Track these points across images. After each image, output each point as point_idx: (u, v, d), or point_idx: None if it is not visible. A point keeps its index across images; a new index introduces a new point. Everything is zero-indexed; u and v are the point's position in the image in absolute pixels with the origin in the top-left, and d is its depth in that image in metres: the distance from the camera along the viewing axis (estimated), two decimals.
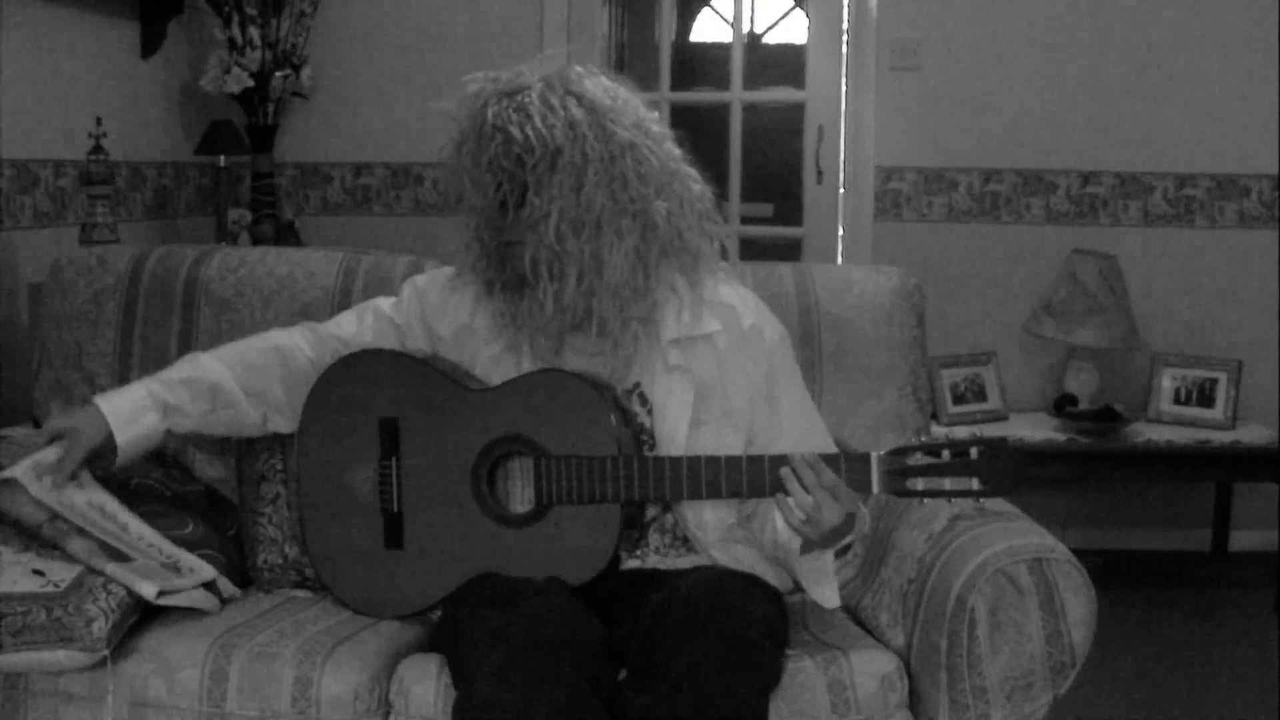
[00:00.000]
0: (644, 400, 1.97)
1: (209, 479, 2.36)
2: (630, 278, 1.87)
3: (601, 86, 1.89)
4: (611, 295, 1.87)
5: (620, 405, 1.95)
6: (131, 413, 1.99)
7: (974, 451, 1.81)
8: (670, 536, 2.01)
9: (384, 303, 2.12)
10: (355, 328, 2.10)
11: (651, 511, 2.00)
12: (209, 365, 2.06)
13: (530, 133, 1.81)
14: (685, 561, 1.99)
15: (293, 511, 2.16)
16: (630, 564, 1.98)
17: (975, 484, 1.81)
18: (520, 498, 1.96)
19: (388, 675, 1.90)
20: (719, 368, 1.97)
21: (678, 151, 1.94)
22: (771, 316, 2.06)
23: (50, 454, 1.97)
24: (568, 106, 1.84)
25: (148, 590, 1.89)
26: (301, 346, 2.09)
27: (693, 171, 1.96)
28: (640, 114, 1.91)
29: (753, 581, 1.91)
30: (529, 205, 1.84)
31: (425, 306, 2.06)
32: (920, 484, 1.82)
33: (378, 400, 2.00)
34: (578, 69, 1.90)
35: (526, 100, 1.83)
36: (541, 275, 1.85)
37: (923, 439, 1.86)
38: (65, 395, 2.44)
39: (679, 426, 1.94)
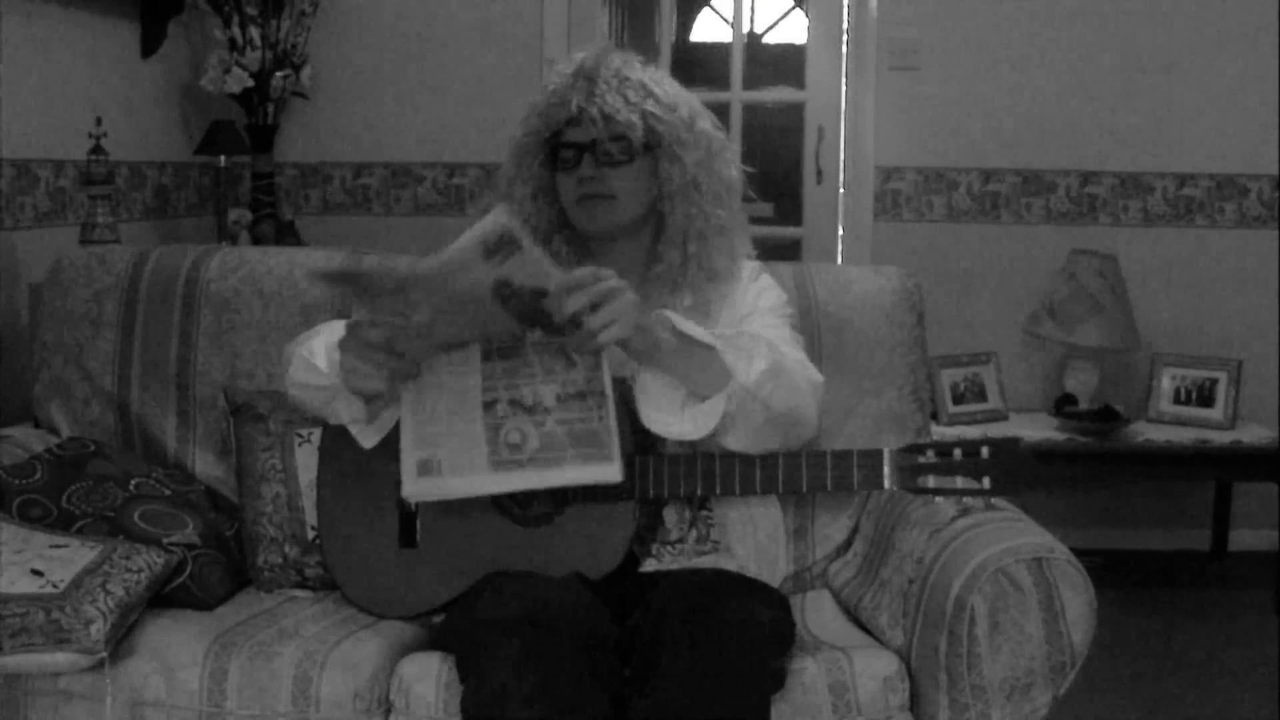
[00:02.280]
0: None
1: (209, 479, 2.37)
2: (738, 248, 2.06)
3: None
4: (718, 263, 2.02)
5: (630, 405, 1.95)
6: None
7: (985, 451, 1.85)
8: (690, 534, 2.01)
9: None
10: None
11: (671, 510, 2.00)
12: None
13: (670, 93, 1.98)
14: (704, 560, 2.00)
15: (293, 511, 2.17)
16: (649, 565, 1.99)
17: (986, 483, 1.84)
18: (539, 499, 1.96)
19: (387, 674, 1.90)
20: (728, 323, 2.02)
21: None
22: (775, 286, 2.13)
23: None
24: (645, 96, 1.97)
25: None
26: None
27: None
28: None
29: (758, 586, 1.92)
30: (675, 162, 1.96)
31: None
32: (931, 481, 1.85)
33: None
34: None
35: (610, 82, 1.95)
36: (683, 237, 1.99)
37: (932, 438, 1.87)
38: (65, 395, 2.44)
39: None
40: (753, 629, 1.74)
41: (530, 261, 1.61)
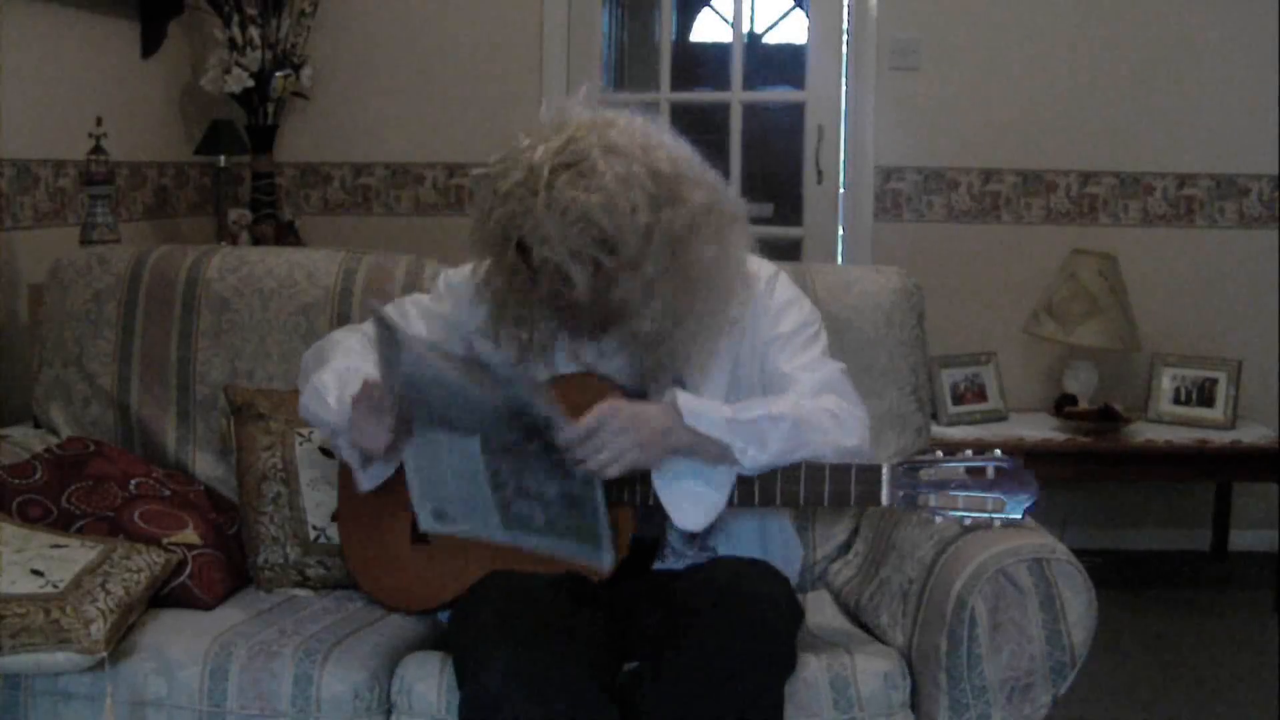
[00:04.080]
0: (680, 384, 1.95)
1: (209, 479, 2.37)
2: (719, 309, 1.91)
3: (663, 146, 1.83)
4: (700, 325, 1.89)
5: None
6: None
7: (991, 470, 1.81)
8: (688, 536, 2.00)
9: (422, 297, 2.11)
10: (408, 324, 2.04)
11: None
12: (369, 366, 1.94)
13: (619, 221, 1.73)
14: (705, 558, 1.99)
15: (293, 511, 2.17)
16: (655, 565, 1.99)
17: (990, 504, 1.81)
18: None
19: (388, 673, 1.90)
20: (757, 349, 1.98)
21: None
22: (798, 300, 2.03)
23: None
24: (642, 181, 1.76)
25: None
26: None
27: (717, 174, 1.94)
28: (685, 153, 1.87)
29: (762, 566, 1.91)
30: (623, 287, 1.80)
31: (456, 301, 2.05)
32: (933, 499, 1.81)
33: None
34: (617, 119, 1.82)
35: (596, 175, 1.73)
36: (650, 340, 1.87)
37: (937, 453, 1.84)
38: (65, 395, 2.44)
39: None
40: (765, 612, 1.74)
41: (546, 404, 1.71)
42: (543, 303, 1.87)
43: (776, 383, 1.95)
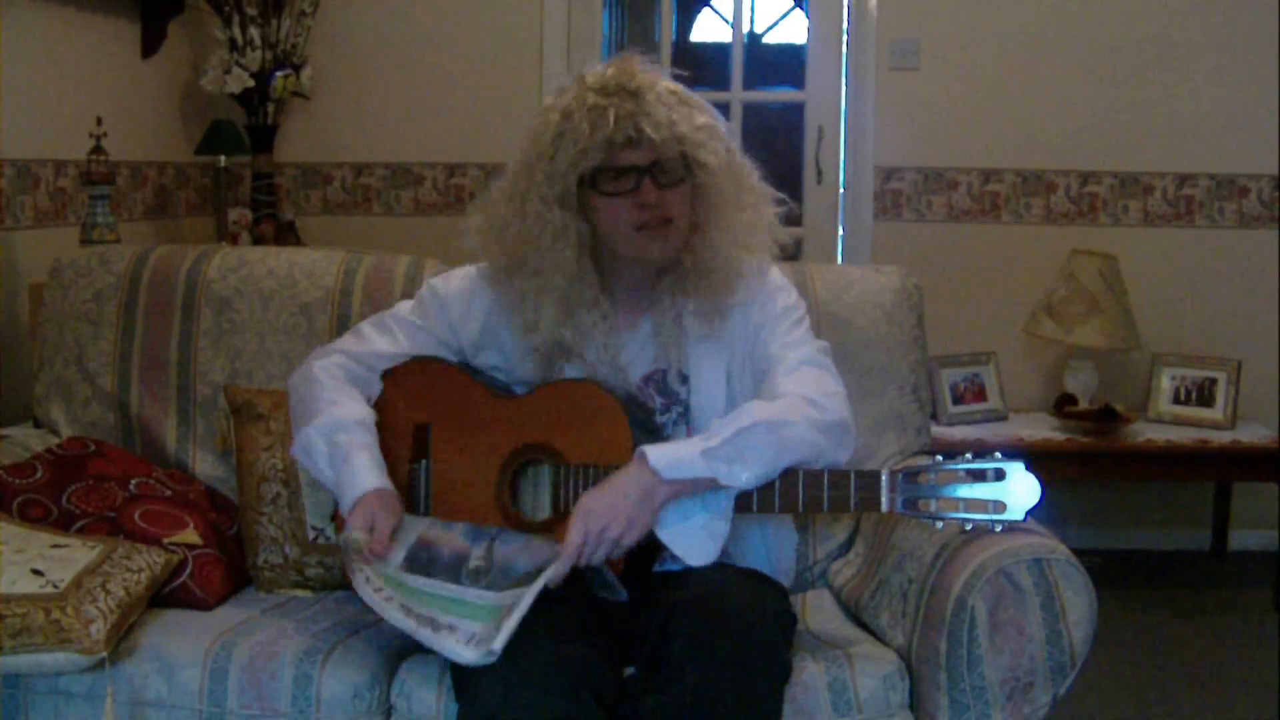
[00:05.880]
0: (683, 378, 1.98)
1: (209, 479, 2.37)
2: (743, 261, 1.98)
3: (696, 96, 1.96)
4: (731, 278, 1.96)
5: (643, 422, 1.95)
6: (380, 468, 1.94)
7: (991, 474, 1.81)
8: None
9: (403, 309, 2.09)
10: (393, 343, 2.05)
11: None
12: (353, 407, 1.99)
13: (694, 124, 1.85)
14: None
15: (293, 511, 2.17)
16: (655, 567, 1.99)
17: (991, 507, 1.81)
18: (539, 504, 1.96)
19: (388, 675, 1.90)
20: (748, 335, 1.99)
21: None
22: (788, 286, 2.08)
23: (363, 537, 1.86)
24: (693, 110, 1.89)
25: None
26: (368, 378, 2.04)
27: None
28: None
29: (758, 577, 1.92)
30: (712, 178, 1.89)
31: (449, 309, 2.04)
32: (934, 505, 1.82)
33: (414, 406, 2.01)
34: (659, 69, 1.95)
35: (661, 99, 1.85)
36: (706, 267, 1.93)
37: (938, 457, 1.84)
38: (65, 395, 2.44)
39: (715, 397, 1.95)
40: (760, 619, 1.75)
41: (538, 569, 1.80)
42: (624, 237, 1.91)
43: (766, 364, 1.97)
